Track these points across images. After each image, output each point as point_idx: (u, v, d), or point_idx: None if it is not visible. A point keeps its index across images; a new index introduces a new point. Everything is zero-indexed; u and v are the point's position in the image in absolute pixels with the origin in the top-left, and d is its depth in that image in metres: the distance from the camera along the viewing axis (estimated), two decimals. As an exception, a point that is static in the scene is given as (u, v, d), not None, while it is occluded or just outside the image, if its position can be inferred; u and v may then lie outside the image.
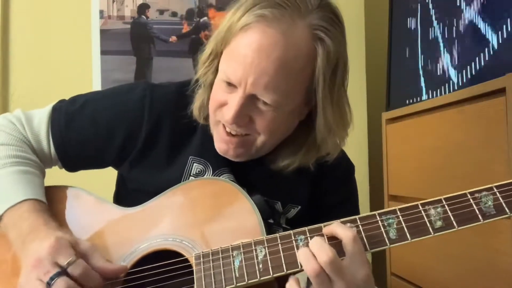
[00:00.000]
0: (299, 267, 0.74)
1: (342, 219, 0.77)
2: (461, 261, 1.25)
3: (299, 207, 1.00)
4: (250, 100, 0.84)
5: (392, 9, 1.88)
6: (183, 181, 0.94)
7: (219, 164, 0.95)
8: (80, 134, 0.95)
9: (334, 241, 0.74)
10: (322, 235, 0.75)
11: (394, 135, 1.67)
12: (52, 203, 0.90)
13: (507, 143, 1.05)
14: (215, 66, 0.91)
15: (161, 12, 1.92)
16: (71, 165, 0.99)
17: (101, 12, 1.89)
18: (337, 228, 0.74)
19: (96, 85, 1.86)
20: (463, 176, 1.23)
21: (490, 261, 1.13)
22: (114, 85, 1.06)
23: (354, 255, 0.71)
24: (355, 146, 1.97)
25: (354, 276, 0.71)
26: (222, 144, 0.91)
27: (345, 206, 1.03)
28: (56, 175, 1.00)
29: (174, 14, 1.93)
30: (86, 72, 1.85)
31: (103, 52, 1.87)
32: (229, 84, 0.85)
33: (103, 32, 1.88)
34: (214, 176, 0.95)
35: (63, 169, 1.00)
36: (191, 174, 0.95)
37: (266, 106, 0.85)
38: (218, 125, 0.91)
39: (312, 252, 0.71)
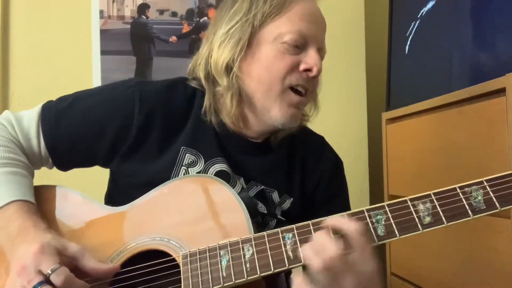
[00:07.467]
0: (287, 265, 0.73)
1: (332, 216, 0.76)
2: (461, 261, 1.25)
3: (292, 199, 1.01)
4: None
5: (392, 9, 1.88)
6: (174, 171, 0.94)
7: (212, 154, 0.96)
8: (71, 131, 0.95)
9: (337, 235, 0.72)
10: (326, 229, 0.73)
11: (394, 135, 1.67)
12: (40, 203, 0.89)
13: (507, 143, 1.05)
14: (241, 56, 0.94)
15: (161, 12, 1.92)
16: (62, 163, 0.99)
17: (101, 12, 1.89)
18: (341, 221, 0.73)
19: (96, 85, 1.84)
20: (463, 176, 1.21)
21: (490, 261, 1.12)
22: (114, 85, 1.06)
23: (363, 248, 0.70)
24: (355, 146, 1.97)
25: (365, 269, 0.70)
26: (292, 109, 0.95)
27: (336, 202, 1.03)
28: (47, 176, 1.00)
29: (174, 14, 1.92)
30: (86, 72, 1.85)
31: (103, 52, 1.87)
32: (296, 47, 0.92)
33: (103, 32, 1.88)
34: (206, 166, 0.95)
35: (54, 169, 0.99)
36: (183, 164, 0.95)
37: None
38: (285, 93, 0.94)
39: (318, 247, 0.70)
